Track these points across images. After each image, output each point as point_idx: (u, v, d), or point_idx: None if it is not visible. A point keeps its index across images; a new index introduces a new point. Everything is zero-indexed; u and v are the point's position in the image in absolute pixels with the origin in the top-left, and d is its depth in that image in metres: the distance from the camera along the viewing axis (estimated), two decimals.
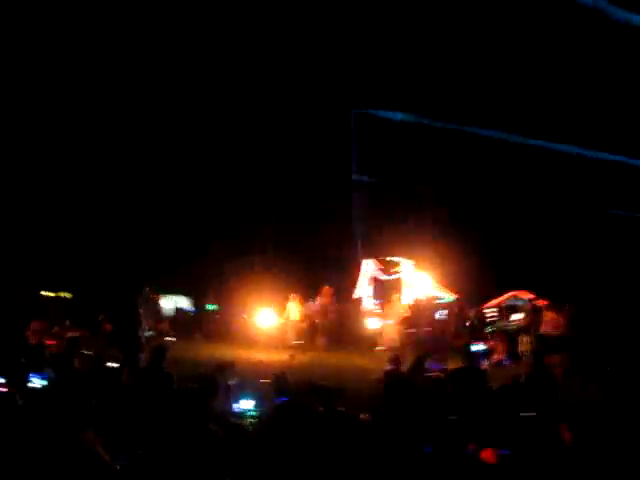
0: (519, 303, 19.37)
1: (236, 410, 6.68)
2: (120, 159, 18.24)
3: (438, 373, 8.70)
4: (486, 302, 18.90)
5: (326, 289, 16.21)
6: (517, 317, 16.13)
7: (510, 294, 19.75)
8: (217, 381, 6.70)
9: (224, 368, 6.92)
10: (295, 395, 6.74)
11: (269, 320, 15.40)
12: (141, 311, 11.04)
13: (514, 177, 16.44)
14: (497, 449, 6.85)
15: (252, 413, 6.59)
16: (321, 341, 15.70)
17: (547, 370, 9.49)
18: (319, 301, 16.08)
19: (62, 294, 18.75)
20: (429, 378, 8.42)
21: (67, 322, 13.11)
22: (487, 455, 6.82)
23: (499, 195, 16.77)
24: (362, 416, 7.65)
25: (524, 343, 14.38)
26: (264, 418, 6.42)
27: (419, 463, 6.47)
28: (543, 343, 13.43)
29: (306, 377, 8.41)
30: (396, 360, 8.66)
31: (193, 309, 18.64)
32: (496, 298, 19.33)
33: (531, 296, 19.01)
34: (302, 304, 15.42)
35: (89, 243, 18.90)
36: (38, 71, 16.34)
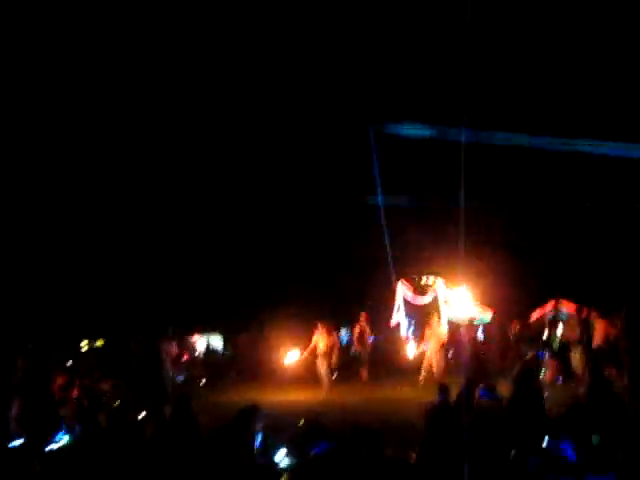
0: (563, 315, 18.34)
1: (268, 462, 5.86)
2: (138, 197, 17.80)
3: (491, 402, 7.77)
4: (527, 316, 17.93)
5: (364, 315, 15.23)
6: (564, 330, 15.04)
7: (552, 305, 18.73)
8: (242, 431, 5.91)
9: (248, 415, 6.10)
10: (333, 442, 5.90)
11: (297, 356, 14.23)
12: (165, 355, 10.17)
13: (549, 183, 15.58)
14: None
15: (285, 465, 5.75)
16: (362, 372, 14.78)
17: (608, 387, 8.51)
18: (357, 329, 15.09)
19: (95, 343, 18.31)
20: (481, 408, 7.51)
21: (97, 373, 12.44)
22: None
23: (534, 203, 15.92)
24: (412, 457, 6.84)
25: (577, 358, 13.29)
26: (299, 471, 5.59)
27: None
28: (597, 357, 12.34)
29: (346, 416, 7.61)
30: (444, 390, 7.76)
31: (225, 349, 18.02)
32: (537, 311, 18.32)
33: (575, 306, 17.96)
34: (329, 334, 14.16)
35: (119, 289, 18.44)
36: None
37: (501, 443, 6.87)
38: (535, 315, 18.35)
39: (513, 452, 6.63)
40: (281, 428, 6.47)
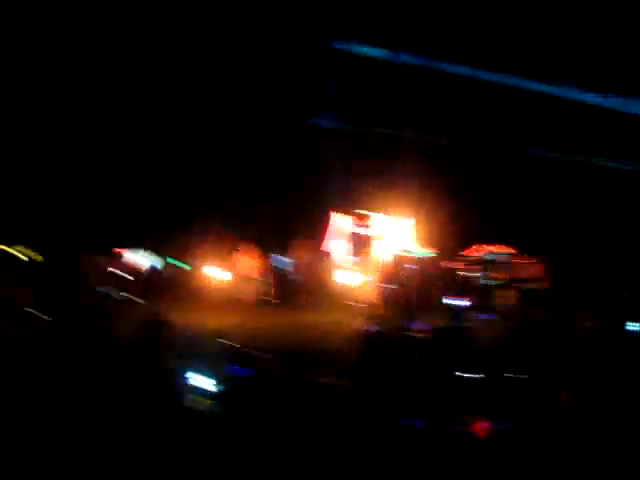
0: (496, 257, 18.64)
1: (191, 386, 5.49)
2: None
3: (422, 332, 7.64)
4: (462, 256, 18.06)
5: (300, 242, 14.81)
6: (495, 271, 15.25)
7: (486, 248, 18.99)
8: (149, 346, 5.49)
9: (154, 330, 5.66)
10: (261, 367, 5.60)
11: (227, 277, 13.46)
12: (89, 270, 9.43)
13: (500, 122, 15.10)
14: (491, 422, 5.93)
15: (209, 390, 5.40)
16: (300, 298, 14.43)
17: (531, 326, 8.58)
18: (293, 255, 14.68)
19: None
20: (412, 337, 7.38)
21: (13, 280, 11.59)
22: (480, 428, 5.90)
23: (481, 142, 15.57)
24: (340, 384, 6.66)
25: (504, 297, 13.50)
26: (224, 396, 5.26)
27: (408, 439, 5.49)
28: (524, 297, 12.53)
29: (277, 342, 7.33)
30: (376, 319, 7.57)
31: (163, 268, 17.49)
32: (472, 251, 18.51)
33: (508, 250, 18.27)
34: (259, 257, 13.17)
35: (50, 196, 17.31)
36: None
37: (429, 375, 6.77)
38: (469, 256, 18.56)
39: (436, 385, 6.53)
40: (205, 352, 6.10)
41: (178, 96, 15.63)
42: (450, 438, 5.76)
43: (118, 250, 17.20)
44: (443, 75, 12.11)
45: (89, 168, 17.55)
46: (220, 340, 5.87)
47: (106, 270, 15.58)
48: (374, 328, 7.47)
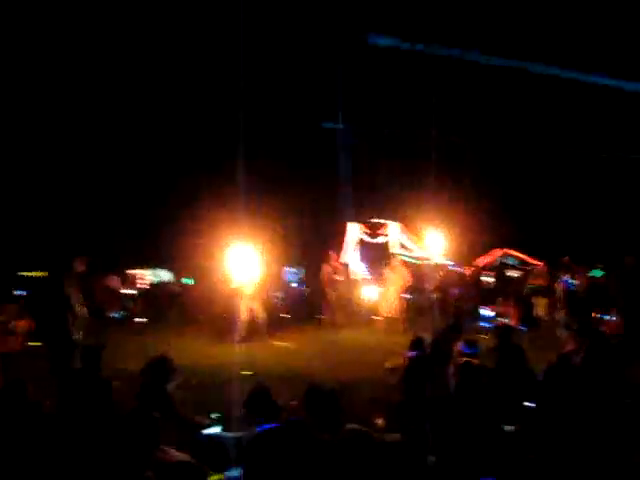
0: (511, 262, 17.38)
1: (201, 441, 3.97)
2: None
3: (467, 358, 6.06)
4: (479, 262, 16.73)
5: (332, 255, 12.86)
6: (529, 278, 13.70)
7: (500, 253, 17.82)
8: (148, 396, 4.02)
9: (156, 372, 4.23)
10: (287, 415, 4.06)
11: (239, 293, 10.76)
12: (72, 293, 7.71)
13: (520, 121, 13.54)
14: None
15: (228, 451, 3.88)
16: (328, 317, 12.53)
17: (605, 342, 6.93)
18: (326, 269, 12.75)
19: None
20: (463, 367, 5.80)
21: (14, 309, 10.04)
22: None
23: (500, 143, 14.06)
24: (378, 424, 5.15)
25: (541, 306, 11.91)
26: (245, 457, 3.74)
27: None
28: (580, 305, 10.88)
29: (299, 373, 5.80)
30: (419, 343, 6.02)
31: (176, 287, 15.99)
32: (484, 258, 17.28)
33: (522, 255, 17.05)
34: (269, 270, 11.11)
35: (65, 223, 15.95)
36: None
37: (489, 408, 5.22)
38: (485, 262, 17.18)
39: (510, 427, 4.98)
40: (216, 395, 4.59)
41: (163, 106, 14.27)
42: None
43: (128, 270, 15.80)
44: (469, 66, 10.57)
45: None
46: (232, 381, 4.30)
47: (115, 291, 14.17)
48: (418, 355, 5.91)
